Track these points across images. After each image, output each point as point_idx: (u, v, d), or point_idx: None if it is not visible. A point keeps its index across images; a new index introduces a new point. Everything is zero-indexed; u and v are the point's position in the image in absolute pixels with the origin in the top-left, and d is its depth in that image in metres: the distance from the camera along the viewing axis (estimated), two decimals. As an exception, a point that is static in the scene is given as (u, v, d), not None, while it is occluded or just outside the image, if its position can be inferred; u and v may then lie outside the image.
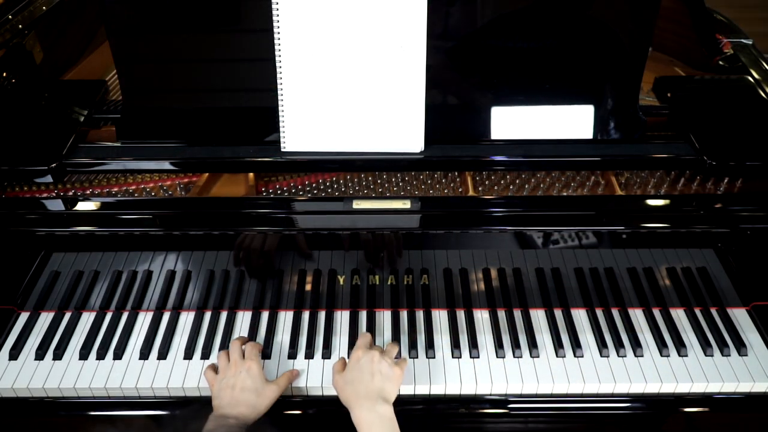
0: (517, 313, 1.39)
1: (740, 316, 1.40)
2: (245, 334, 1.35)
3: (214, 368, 1.27)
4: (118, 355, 1.31)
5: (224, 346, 1.33)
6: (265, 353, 1.31)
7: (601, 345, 1.32)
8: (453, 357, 1.31)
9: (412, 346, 1.33)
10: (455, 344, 1.32)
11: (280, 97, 1.21)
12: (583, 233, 1.28)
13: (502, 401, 1.28)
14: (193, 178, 1.33)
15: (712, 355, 1.31)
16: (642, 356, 1.31)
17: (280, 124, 1.24)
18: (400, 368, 1.20)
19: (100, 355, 1.31)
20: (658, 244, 1.32)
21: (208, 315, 1.39)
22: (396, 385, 1.18)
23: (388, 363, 1.18)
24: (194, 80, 1.31)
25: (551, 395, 1.28)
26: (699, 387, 1.27)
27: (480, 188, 1.31)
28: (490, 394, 1.28)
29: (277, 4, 1.16)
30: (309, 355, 1.31)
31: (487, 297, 1.39)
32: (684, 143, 1.30)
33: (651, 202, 1.27)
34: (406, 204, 1.26)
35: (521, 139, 1.31)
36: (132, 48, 1.27)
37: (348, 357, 1.30)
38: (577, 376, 1.27)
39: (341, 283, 1.38)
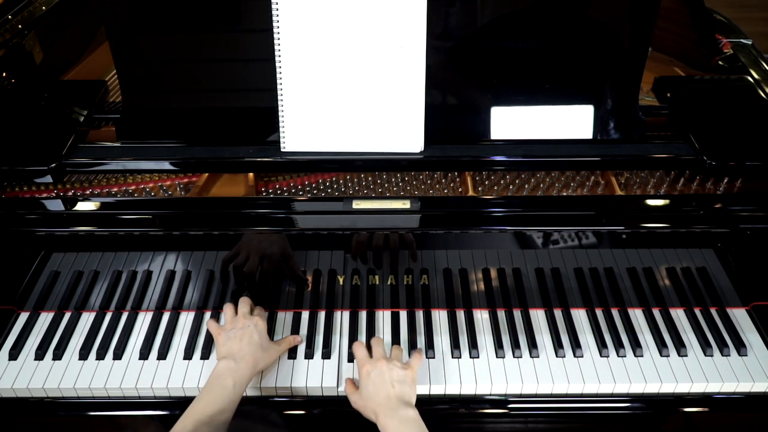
0: (517, 313, 1.39)
1: (740, 316, 1.40)
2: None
3: (216, 320, 1.32)
4: (117, 355, 1.31)
5: (224, 346, 1.33)
6: (265, 353, 1.31)
7: (601, 345, 1.32)
8: (453, 357, 1.31)
9: (412, 346, 1.33)
10: (455, 344, 1.32)
11: (279, 97, 1.21)
12: (583, 233, 1.28)
13: (502, 401, 1.28)
14: (193, 178, 1.33)
15: (711, 355, 1.31)
16: (642, 356, 1.31)
17: (280, 124, 1.24)
18: (412, 369, 1.19)
19: (100, 355, 1.31)
20: (657, 244, 1.32)
21: (208, 315, 1.39)
22: (412, 386, 1.17)
23: (398, 367, 1.18)
24: (194, 80, 1.31)
25: (551, 395, 1.28)
26: (699, 387, 1.27)
27: (480, 188, 1.31)
28: (490, 394, 1.28)
29: (277, 4, 1.16)
30: (309, 355, 1.31)
31: (487, 297, 1.39)
32: (684, 143, 1.30)
33: (651, 202, 1.27)
34: (406, 204, 1.26)
35: (521, 139, 1.30)
36: (132, 48, 1.27)
37: (345, 358, 1.31)
38: (576, 376, 1.27)
39: (341, 283, 1.38)
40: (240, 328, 1.24)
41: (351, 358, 1.31)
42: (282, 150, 1.26)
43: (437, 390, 1.26)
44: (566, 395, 1.28)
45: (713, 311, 1.40)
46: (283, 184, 1.33)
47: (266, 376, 1.27)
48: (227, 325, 1.27)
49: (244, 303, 1.31)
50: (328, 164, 1.28)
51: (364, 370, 1.20)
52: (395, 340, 1.35)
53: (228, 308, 1.32)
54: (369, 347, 1.26)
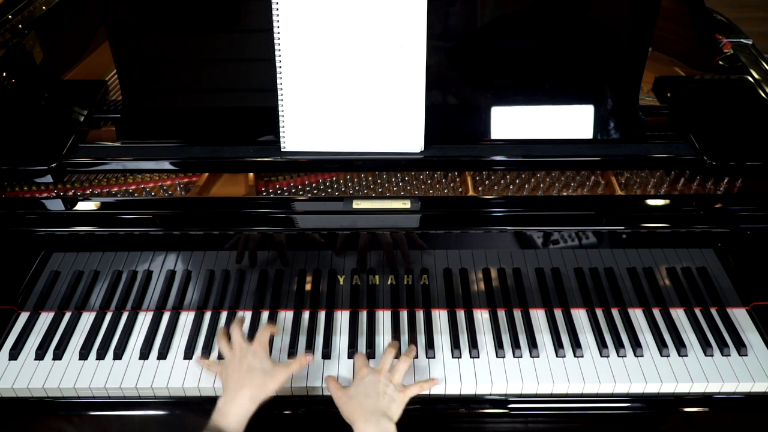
0: (517, 313, 1.39)
1: (740, 316, 1.40)
2: (245, 333, 1.35)
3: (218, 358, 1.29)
4: (118, 355, 1.31)
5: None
6: (265, 353, 1.31)
7: (601, 345, 1.32)
8: (453, 357, 1.31)
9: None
10: (455, 344, 1.32)
11: (280, 97, 1.21)
12: (583, 233, 1.28)
13: (502, 401, 1.28)
14: (193, 178, 1.33)
15: (712, 355, 1.31)
16: (642, 356, 1.31)
17: (280, 124, 1.24)
18: (406, 394, 1.20)
19: (100, 355, 1.31)
20: (658, 244, 1.32)
21: (208, 315, 1.39)
22: (400, 408, 1.18)
23: (394, 387, 1.18)
24: (194, 80, 1.31)
25: (551, 395, 1.28)
26: (699, 387, 1.27)
27: (480, 188, 1.31)
28: (490, 394, 1.28)
29: (277, 4, 1.16)
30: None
31: (487, 297, 1.39)
32: (684, 143, 1.30)
33: (651, 202, 1.27)
34: (406, 204, 1.26)
35: (521, 139, 1.31)
36: (132, 48, 1.27)
37: (345, 358, 1.31)
38: (577, 376, 1.27)
39: (341, 282, 1.38)
40: (238, 359, 1.20)
41: (351, 357, 1.31)
42: (282, 150, 1.26)
43: (437, 390, 1.26)
44: (566, 395, 1.28)
45: (713, 311, 1.40)
46: (283, 184, 1.33)
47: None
48: (226, 360, 1.23)
49: (237, 330, 1.25)
50: (329, 164, 1.28)
51: (361, 373, 1.20)
52: (395, 339, 1.34)
53: (222, 341, 1.25)
54: (368, 356, 1.29)
